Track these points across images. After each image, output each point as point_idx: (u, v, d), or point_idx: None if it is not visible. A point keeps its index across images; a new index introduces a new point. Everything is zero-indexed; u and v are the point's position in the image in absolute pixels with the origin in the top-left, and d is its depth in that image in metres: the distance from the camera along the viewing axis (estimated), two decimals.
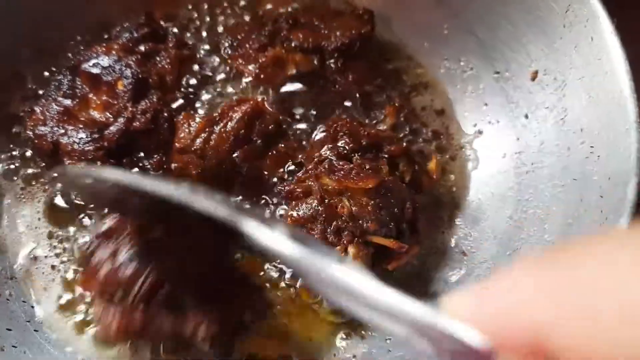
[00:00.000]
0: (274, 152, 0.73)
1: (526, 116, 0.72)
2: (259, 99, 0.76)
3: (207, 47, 0.81)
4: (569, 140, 0.65)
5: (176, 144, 0.72)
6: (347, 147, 0.69)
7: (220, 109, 0.73)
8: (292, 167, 0.74)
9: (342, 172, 0.66)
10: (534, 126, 0.71)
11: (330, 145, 0.70)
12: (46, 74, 0.78)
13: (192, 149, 0.71)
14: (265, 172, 0.73)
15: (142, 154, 0.73)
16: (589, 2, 0.63)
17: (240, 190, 0.73)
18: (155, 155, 0.73)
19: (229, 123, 0.71)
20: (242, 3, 0.85)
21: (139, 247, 0.60)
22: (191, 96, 0.78)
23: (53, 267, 0.70)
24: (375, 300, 0.30)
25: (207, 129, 0.71)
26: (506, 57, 0.74)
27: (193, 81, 0.79)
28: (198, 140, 0.71)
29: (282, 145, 0.74)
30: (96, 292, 0.59)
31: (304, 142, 0.75)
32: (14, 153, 0.75)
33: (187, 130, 0.72)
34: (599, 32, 0.62)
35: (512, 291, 0.26)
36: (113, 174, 0.51)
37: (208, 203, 0.42)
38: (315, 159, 0.70)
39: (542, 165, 0.68)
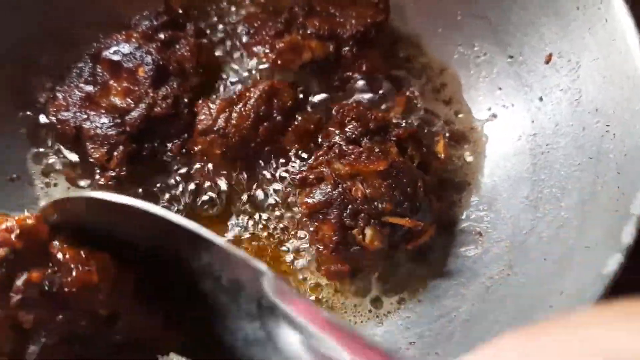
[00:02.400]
0: (295, 127, 0.75)
1: (540, 99, 0.73)
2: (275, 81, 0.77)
3: (224, 34, 0.83)
4: (584, 121, 0.66)
5: (198, 126, 0.73)
6: (355, 132, 0.70)
7: (237, 91, 0.75)
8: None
9: (352, 157, 0.67)
10: (548, 108, 0.72)
11: (338, 131, 0.72)
12: (67, 61, 0.79)
13: (215, 128, 0.73)
14: (288, 147, 0.75)
15: (162, 139, 0.75)
16: None
17: (263, 167, 0.75)
18: (176, 140, 0.75)
19: (249, 102, 0.73)
20: None
21: None
22: (209, 82, 0.80)
23: None
24: None
25: (227, 109, 0.73)
26: (519, 41, 0.75)
27: (211, 68, 0.80)
28: (219, 121, 0.73)
29: (302, 119, 0.75)
30: None
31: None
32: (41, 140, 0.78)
33: (207, 112, 0.73)
34: (613, 14, 0.63)
35: None
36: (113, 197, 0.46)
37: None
38: (325, 145, 0.71)
39: (558, 145, 0.69)
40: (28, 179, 0.76)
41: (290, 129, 0.75)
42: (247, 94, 0.75)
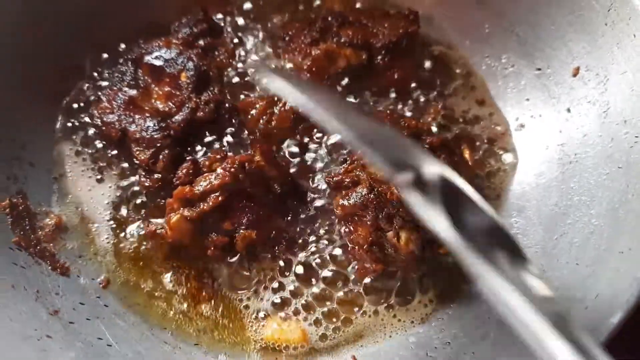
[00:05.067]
0: None
1: (568, 110, 0.76)
2: None
3: (260, 42, 0.85)
4: (613, 132, 0.69)
5: None
6: None
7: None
8: None
9: None
10: (576, 119, 0.74)
11: None
12: (107, 66, 0.82)
13: (256, 130, 0.75)
14: None
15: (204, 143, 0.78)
16: (631, 1, 0.66)
17: None
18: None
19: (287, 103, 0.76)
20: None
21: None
22: (247, 88, 0.82)
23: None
24: None
25: (267, 111, 0.76)
26: (547, 54, 0.78)
27: (248, 75, 0.83)
28: (260, 123, 0.75)
29: None
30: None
31: None
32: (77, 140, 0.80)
33: (248, 116, 0.76)
34: None
35: None
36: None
37: None
38: None
39: (586, 155, 0.71)
40: (71, 177, 0.78)
41: None
42: None
